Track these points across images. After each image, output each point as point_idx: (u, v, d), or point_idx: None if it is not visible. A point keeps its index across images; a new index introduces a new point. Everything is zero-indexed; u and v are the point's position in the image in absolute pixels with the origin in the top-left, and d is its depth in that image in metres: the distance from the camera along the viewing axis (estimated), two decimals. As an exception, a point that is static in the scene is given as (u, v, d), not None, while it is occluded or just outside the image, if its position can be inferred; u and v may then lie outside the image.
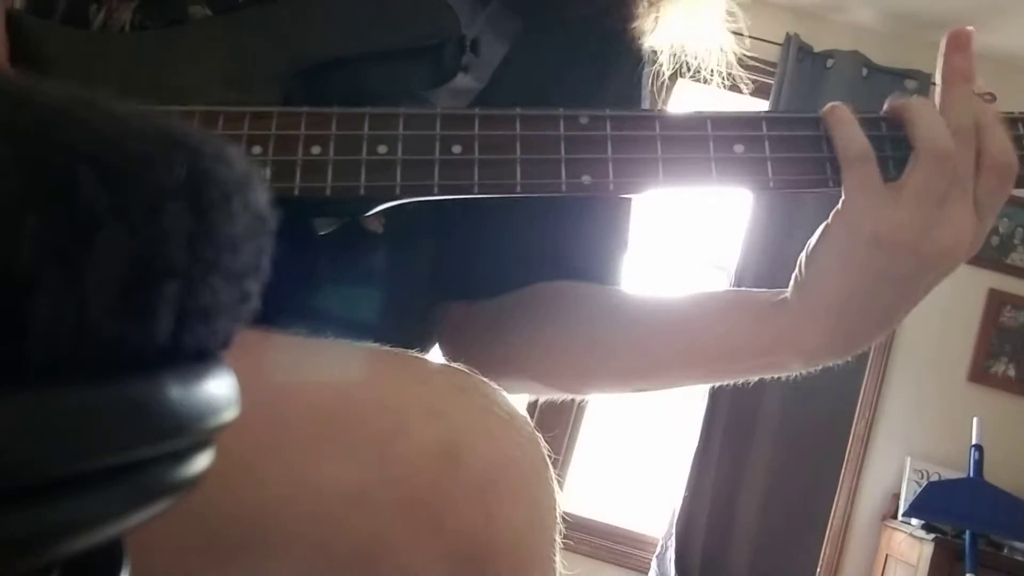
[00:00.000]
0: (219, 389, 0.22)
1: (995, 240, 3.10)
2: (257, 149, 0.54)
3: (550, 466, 0.46)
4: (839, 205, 0.56)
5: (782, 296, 0.59)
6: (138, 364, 0.19)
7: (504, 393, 0.48)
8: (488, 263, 0.70)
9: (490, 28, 0.68)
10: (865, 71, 3.08)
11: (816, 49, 3.11)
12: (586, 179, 0.56)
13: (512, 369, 0.68)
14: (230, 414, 0.22)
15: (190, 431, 0.21)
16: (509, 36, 0.70)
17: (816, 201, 0.63)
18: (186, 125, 0.21)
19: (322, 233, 0.59)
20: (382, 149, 0.55)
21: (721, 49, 0.73)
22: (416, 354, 0.51)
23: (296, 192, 0.54)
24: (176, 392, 0.20)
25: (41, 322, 0.17)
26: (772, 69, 3.07)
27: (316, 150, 0.55)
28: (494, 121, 0.57)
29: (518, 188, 0.56)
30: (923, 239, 0.55)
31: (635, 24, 0.70)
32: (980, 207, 0.56)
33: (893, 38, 3.13)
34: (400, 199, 0.56)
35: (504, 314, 0.69)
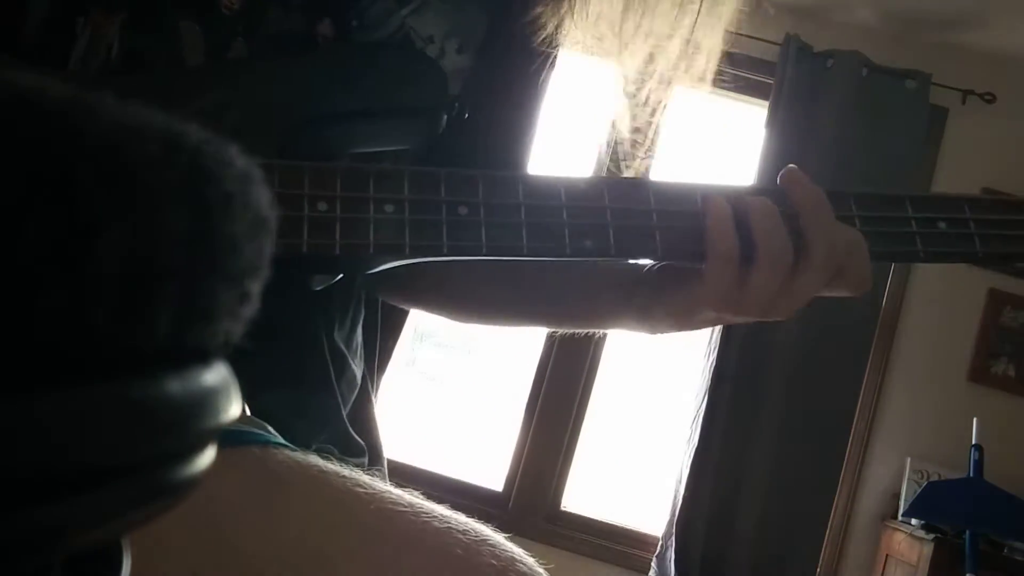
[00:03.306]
0: (219, 389, 0.22)
1: (995, 240, 3.10)
2: None
3: None
4: (700, 277, 0.61)
5: (642, 273, 0.66)
6: (138, 364, 0.19)
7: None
8: None
9: (458, 33, 0.71)
10: (865, 71, 3.08)
11: (816, 49, 3.11)
12: (589, 243, 0.58)
13: (422, 301, 0.79)
14: (230, 414, 0.22)
15: (190, 431, 0.21)
16: (476, 45, 0.73)
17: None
18: (187, 124, 0.21)
19: (317, 288, 0.60)
20: (389, 208, 0.56)
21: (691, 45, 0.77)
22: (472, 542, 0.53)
23: (304, 249, 0.54)
24: (176, 392, 0.20)
25: (41, 323, 0.17)
26: (772, 69, 3.07)
27: (323, 207, 0.55)
28: (498, 185, 0.58)
29: (524, 251, 0.57)
30: (762, 311, 0.61)
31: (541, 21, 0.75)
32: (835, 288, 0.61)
33: (893, 38, 3.13)
34: (409, 259, 0.57)
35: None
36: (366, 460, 0.74)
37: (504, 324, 0.80)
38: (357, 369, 0.76)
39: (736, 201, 0.60)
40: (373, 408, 0.79)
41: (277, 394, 0.65)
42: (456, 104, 0.68)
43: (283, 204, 0.54)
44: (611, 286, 0.69)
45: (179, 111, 0.62)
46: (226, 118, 0.60)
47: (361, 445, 0.74)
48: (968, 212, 0.64)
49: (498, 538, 0.53)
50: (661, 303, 0.65)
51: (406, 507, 0.53)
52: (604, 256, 0.58)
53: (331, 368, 0.71)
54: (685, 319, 0.64)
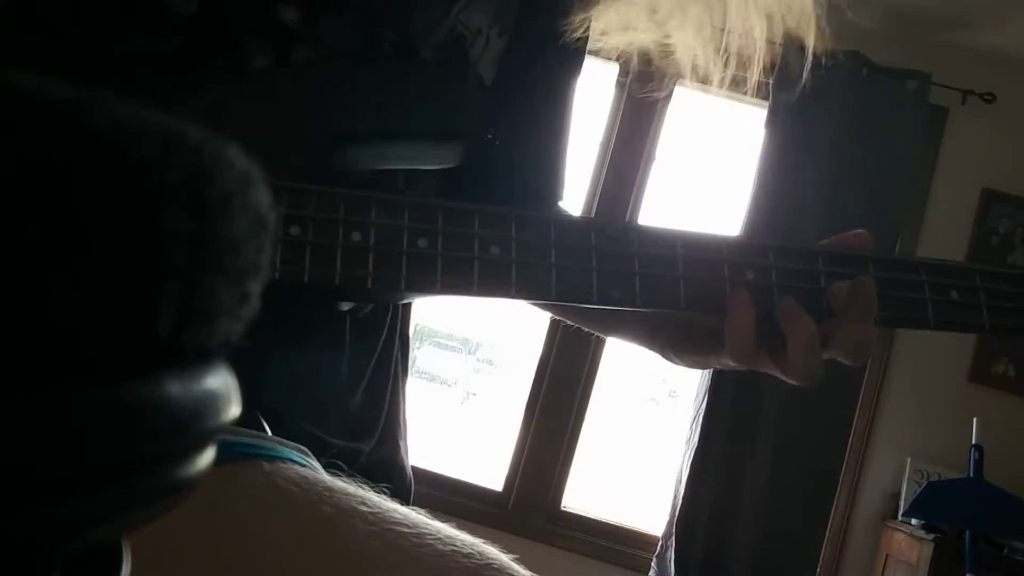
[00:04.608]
0: (219, 389, 0.22)
1: (995, 240, 3.10)
2: (295, 230, 0.53)
3: None
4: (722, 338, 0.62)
5: (670, 315, 0.68)
6: (138, 364, 0.19)
7: None
8: None
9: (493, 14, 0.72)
10: (865, 71, 3.08)
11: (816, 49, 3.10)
12: (615, 293, 0.58)
13: None
14: (230, 414, 0.22)
15: (190, 431, 0.21)
16: (512, 26, 0.74)
17: (814, 231, 0.66)
18: (186, 124, 0.21)
19: (345, 308, 0.59)
20: (422, 243, 0.55)
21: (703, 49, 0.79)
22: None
23: (337, 282, 0.53)
24: (176, 392, 0.20)
25: (41, 323, 0.17)
26: (771, 70, 3.07)
27: (356, 237, 0.54)
28: (530, 224, 0.58)
29: (553, 294, 0.57)
30: (782, 374, 0.62)
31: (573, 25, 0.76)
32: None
33: (893, 38, 3.13)
34: (439, 294, 0.56)
35: None
36: (368, 447, 0.73)
37: (549, 313, 0.83)
38: (378, 331, 0.74)
39: (763, 299, 0.62)
40: (400, 384, 0.78)
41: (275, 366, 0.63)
42: (490, 131, 0.69)
43: (318, 231, 0.53)
44: (643, 318, 0.71)
45: (207, 116, 0.63)
46: (264, 126, 0.60)
47: (369, 428, 0.73)
48: (979, 282, 0.65)
49: (503, 560, 0.53)
50: (684, 348, 0.68)
51: (409, 528, 0.53)
52: (630, 307, 0.59)
53: (346, 338, 0.70)
54: (703, 364, 0.68)
